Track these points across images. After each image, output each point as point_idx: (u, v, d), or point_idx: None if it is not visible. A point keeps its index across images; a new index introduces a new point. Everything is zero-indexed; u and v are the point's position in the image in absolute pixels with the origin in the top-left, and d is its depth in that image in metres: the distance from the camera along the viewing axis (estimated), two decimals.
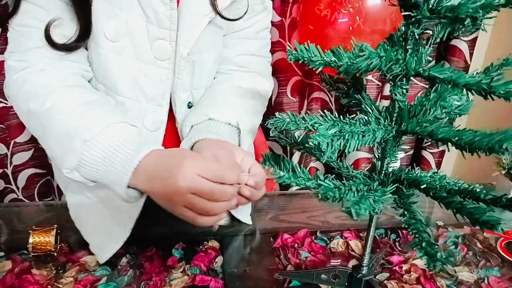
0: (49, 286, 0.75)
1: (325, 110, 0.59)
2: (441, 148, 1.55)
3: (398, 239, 0.90)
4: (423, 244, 0.49)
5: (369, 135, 0.55)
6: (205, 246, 0.86)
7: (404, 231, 0.91)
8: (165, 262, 0.81)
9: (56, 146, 0.67)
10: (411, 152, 1.61)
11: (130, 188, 0.63)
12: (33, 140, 1.37)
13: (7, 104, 1.29)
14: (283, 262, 0.83)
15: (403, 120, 0.58)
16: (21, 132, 1.35)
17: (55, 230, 0.80)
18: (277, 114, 0.61)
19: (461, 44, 1.38)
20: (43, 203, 0.99)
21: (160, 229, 0.90)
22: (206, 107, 0.81)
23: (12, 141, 1.34)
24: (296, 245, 0.87)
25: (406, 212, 0.56)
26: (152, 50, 0.74)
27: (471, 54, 1.40)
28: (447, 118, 0.63)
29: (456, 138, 0.49)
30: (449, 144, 0.51)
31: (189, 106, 0.83)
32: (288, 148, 1.51)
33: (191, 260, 0.82)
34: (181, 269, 0.80)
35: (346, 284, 0.75)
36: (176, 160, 0.59)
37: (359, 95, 0.66)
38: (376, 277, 0.79)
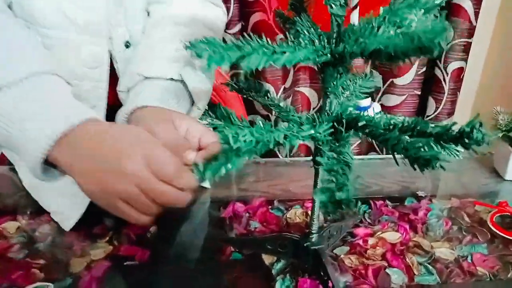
0: None
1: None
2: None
3: (369, 210, 0.76)
4: (331, 185, 0.36)
5: (283, 53, 0.42)
6: None
7: (377, 202, 0.78)
8: (92, 230, 0.71)
9: None
10: None
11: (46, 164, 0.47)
12: None
13: None
14: (228, 233, 0.71)
15: (343, 41, 0.46)
16: None
17: None
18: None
19: (465, 2, 1.21)
20: None
21: None
22: (140, 62, 0.65)
23: None
24: (247, 214, 0.75)
25: (335, 155, 0.44)
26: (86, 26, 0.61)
27: (476, 14, 1.23)
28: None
29: (386, 45, 0.37)
30: (381, 55, 0.38)
31: (127, 45, 0.70)
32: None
33: (122, 229, 0.72)
34: (107, 238, 0.70)
35: (293, 254, 0.63)
36: (123, 133, 0.46)
37: (298, 17, 0.54)
38: (334, 251, 0.67)
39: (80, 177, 0.45)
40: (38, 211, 0.74)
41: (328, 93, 0.50)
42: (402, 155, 0.37)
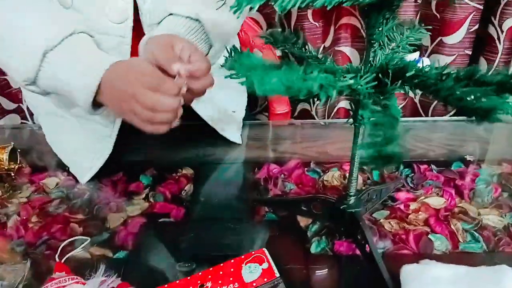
0: None
1: None
2: None
3: (412, 174, 0.72)
4: (378, 139, 0.33)
5: None
6: (178, 174, 0.75)
7: (421, 166, 0.73)
8: (128, 188, 0.72)
9: (7, 57, 0.60)
10: None
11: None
12: None
13: None
14: (262, 194, 0.70)
15: None
16: None
17: (10, 147, 0.73)
18: None
19: None
20: (11, 125, 0.93)
21: (134, 155, 0.80)
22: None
23: None
24: (282, 176, 0.73)
25: (380, 108, 0.40)
26: None
27: None
28: None
29: None
30: None
31: None
32: None
33: (158, 187, 0.72)
34: (143, 196, 0.70)
35: (328, 217, 0.61)
36: (127, 68, 0.57)
37: None
38: (373, 215, 0.64)
39: (112, 106, 0.59)
40: None
41: (373, 41, 0.46)
42: (457, 107, 0.33)
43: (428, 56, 1.41)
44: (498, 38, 1.27)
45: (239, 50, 0.50)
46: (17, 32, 0.58)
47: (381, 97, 0.43)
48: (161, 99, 0.54)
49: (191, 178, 0.74)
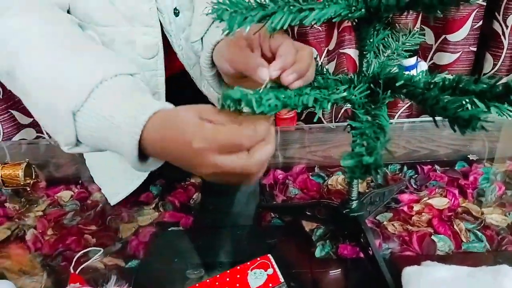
0: (16, 219, 0.72)
1: None
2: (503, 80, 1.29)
3: (416, 176, 0.73)
4: (361, 149, 0.34)
5: (310, 10, 0.40)
6: (186, 183, 0.77)
7: (425, 167, 0.74)
8: (139, 198, 0.74)
9: (42, 117, 0.50)
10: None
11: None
12: None
13: None
14: (268, 199, 0.72)
15: None
16: None
17: (24, 164, 0.76)
18: None
19: None
20: (27, 141, 0.97)
21: None
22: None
23: None
24: (287, 181, 0.75)
25: (370, 118, 0.41)
26: None
27: None
28: None
29: None
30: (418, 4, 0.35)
31: (176, 13, 0.68)
32: None
33: (167, 197, 0.74)
34: (153, 205, 0.73)
35: (332, 221, 0.62)
36: (187, 129, 0.40)
37: None
38: (377, 217, 0.65)
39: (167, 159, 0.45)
40: (90, 181, 0.78)
41: (365, 52, 0.48)
42: (441, 116, 0.35)
43: (433, 54, 1.41)
44: (503, 33, 1.26)
45: None
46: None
47: (373, 106, 0.44)
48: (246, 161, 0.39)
49: (199, 186, 0.76)
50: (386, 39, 0.57)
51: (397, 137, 0.83)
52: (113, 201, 0.74)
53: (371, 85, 0.46)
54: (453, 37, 1.32)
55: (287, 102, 0.40)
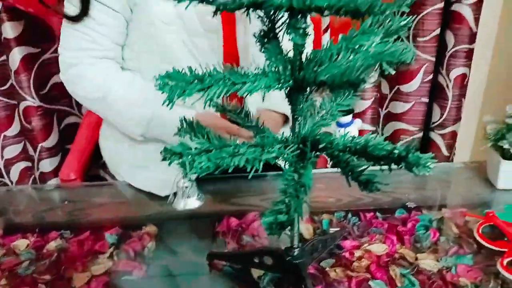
0: None
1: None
2: (450, 129, 1.39)
3: (359, 222, 0.78)
4: (281, 206, 0.39)
5: (243, 83, 0.46)
6: (142, 231, 0.80)
7: (367, 214, 0.80)
8: (94, 247, 0.76)
9: (121, 122, 0.88)
10: (420, 134, 1.45)
11: None
12: (22, 134, 1.38)
13: None
14: (221, 247, 0.75)
15: (303, 68, 0.49)
16: (10, 126, 1.37)
17: None
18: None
19: (463, 8, 1.22)
20: None
21: (101, 213, 0.85)
22: None
23: (2, 135, 1.36)
24: (240, 229, 0.79)
25: (295, 176, 0.46)
26: (201, 23, 0.82)
27: (476, 20, 1.23)
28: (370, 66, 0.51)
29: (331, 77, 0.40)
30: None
31: None
32: None
33: (122, 245, 0.76)
34: (108, 255, 0.75)
35: (278, 268, 0.66)
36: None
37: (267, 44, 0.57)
38: (320, 263, 0.69)
39: None
40: (46, 229, 0.80)
41: (296, 116, 0.53)
42: (348, 177, 0.40)
43: (388, 103, 1.50)
44: (447, 86, 1.37)
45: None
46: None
47: (301, 164, 0.49)
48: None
49: (154, 235, 0.79)
50: (322, 100, 0.64)
51: (343, 186, 0.89)
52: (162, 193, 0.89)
53: (301, 145, 0.52)
54: (405, 88, 1.42)
55: (220, 163, 0.44)
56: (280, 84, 0.49)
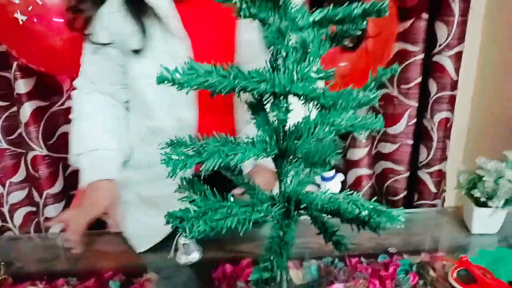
0: None
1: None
2: (437, 167, 1.46)
3: (344, 267, 0.84)
4: (268, 263, 0.45)
5: (235, 154, 0.53)
6: (143, 278, 0.85)
7: (353, 259, 0.85)
8: None
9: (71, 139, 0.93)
10: (407, 174, 1.52)
11: None
12: (28, 180, 1.45)
13: (1, 145, 1.39)
14: None
15: (286, 140, 0.56)
16: (16, 173, 1.44)
17: None
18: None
19: (444, 60, 1.31)
20: None
21: (105, 261, 0.91)
22: None
23: (8, 181, 1.43)
24: (235, 275, 0.84)
25: (280, 233, 0.53)
26: None
27: (456, 70, 1.32)
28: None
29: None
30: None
31: None
32: None
33: None
34: None
35: None
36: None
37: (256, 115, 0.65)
38: None
39: None
40: (53, 276, 0.86)
41: (282, 178, 0.60)
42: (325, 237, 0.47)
43: (377, 143, 1.58)
44: (432, 129, 1.45)
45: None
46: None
47: (286, 222, 0.56)
48: None
49: (154, 281, 0.84)
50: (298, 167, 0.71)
51: None
52: (141, 249, 0.94)
53: (286, 204, 0.58)
54: (392, 130, 1.50)
55: (214, 226, 0.51)
56: (267, 153, 0.56)
